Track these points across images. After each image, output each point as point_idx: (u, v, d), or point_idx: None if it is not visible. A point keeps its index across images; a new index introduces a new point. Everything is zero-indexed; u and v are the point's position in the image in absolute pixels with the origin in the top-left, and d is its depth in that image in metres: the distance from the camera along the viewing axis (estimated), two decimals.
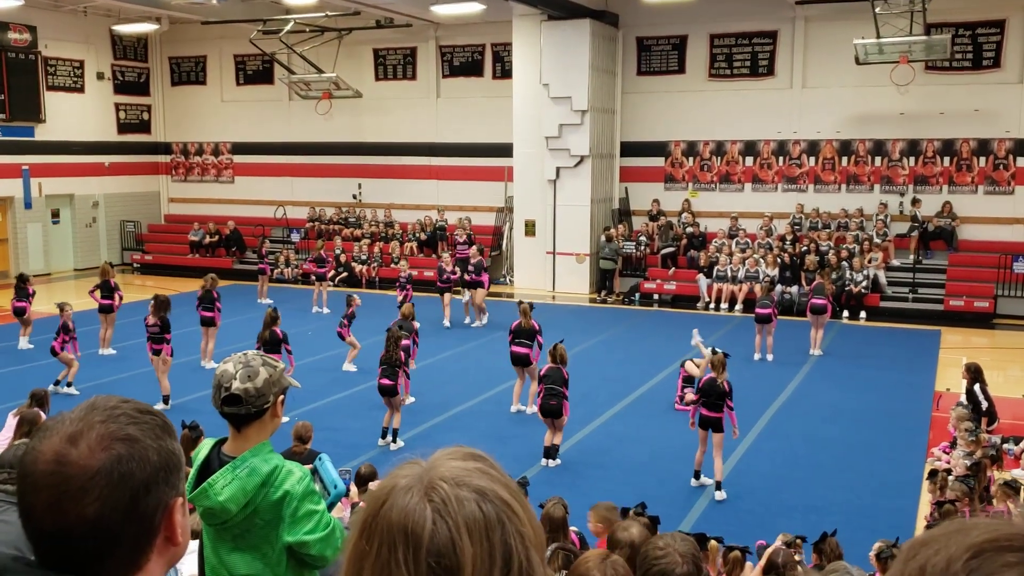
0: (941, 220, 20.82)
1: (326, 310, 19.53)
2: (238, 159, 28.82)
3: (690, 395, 11.45)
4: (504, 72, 24.48)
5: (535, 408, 12.21)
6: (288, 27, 23.54)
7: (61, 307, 13.81)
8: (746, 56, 22.64)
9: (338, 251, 23.67)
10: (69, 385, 13.32)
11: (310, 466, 3.28)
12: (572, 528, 6.35)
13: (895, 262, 20.66)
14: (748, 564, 6.06)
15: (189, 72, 29.28)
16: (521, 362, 12.38)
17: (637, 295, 21.58)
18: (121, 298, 16.13)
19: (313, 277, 20.99)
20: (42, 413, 8.57)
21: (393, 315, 14.52)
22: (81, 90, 27.20)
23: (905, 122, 21.22)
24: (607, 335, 17.86)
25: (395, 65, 26.35)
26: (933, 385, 13.86)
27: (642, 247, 22.41)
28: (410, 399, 12.39)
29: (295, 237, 26.12)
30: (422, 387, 13.33)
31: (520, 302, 13.19)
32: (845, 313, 19.22)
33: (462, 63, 25.55)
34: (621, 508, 6.18)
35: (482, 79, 25.31)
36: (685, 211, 22.96)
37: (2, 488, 3.19)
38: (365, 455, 10.40)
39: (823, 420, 12.37)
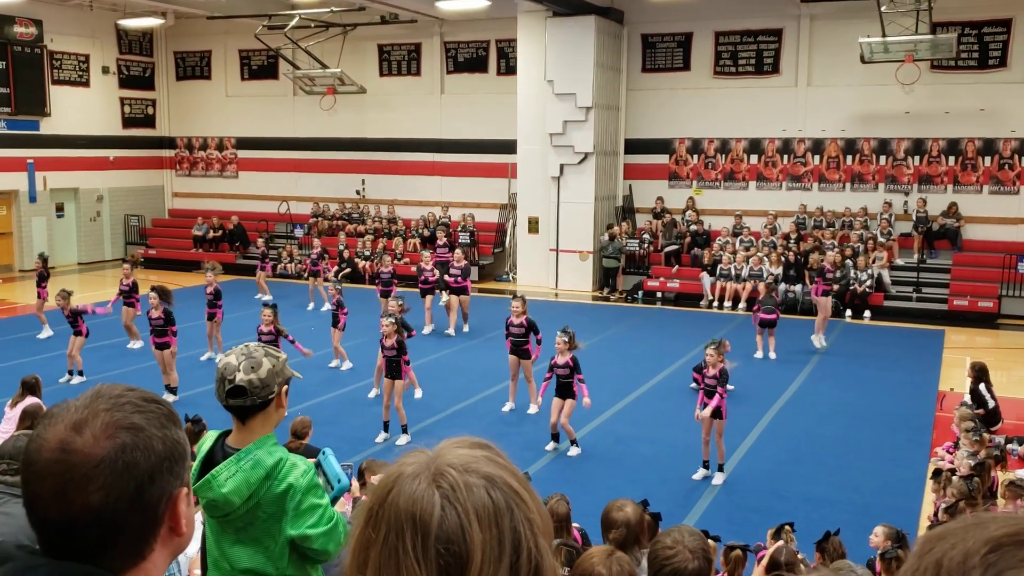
0: (946, 220, 20.78)
1: (326, 306, 19.53)
2: (242, 154, 28.83)
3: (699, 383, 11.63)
4: (508, 68, 24.45)
5: (537, 407, 12.24)
6: (293, 22, 23.54)
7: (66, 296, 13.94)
8: (751, 54, 22.61)
9: (341, 247, 23.66)
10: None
11: (314, 460, 3.27)
12: (575, 524, 6.34)
13: (899, 261, 20.62)
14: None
15: (194, 67, 29.30)
16: (518, 350, 12.25)
17: (640, 293, 21.57)
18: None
19: (307, 273, 20.96)
20: (42, 404, 8.61)
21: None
22: (86, 84, 27.23)
23: (910, 121, 21.18)
24: (610, 333, 17.84)
25: (399, 61, 26.34)
26: (937, 385, 13.83)
27: (646, 245, 22.39)
28: (418, 392, 12.31)
29: (298, 232, 26.13)
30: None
31: (513, 296, 13.09)
32: (848, 312, 19.19)
33: (466, 59, 25.54)
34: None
35: (486, 75, 25.29)
36: (689, 209, 22.93)
37: (2, 479, 3.19)
38: (366, 451, 10.40)
39: (826, 419, 12.36)
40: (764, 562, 5.39)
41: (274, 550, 3.01)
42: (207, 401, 11.05)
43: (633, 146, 23.81)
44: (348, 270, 23.06)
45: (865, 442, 11.40)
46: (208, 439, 3.14)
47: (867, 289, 19.35)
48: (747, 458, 10.83)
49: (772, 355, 15.56)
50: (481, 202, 25.08)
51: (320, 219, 26.32)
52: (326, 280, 20.66)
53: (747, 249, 20.93)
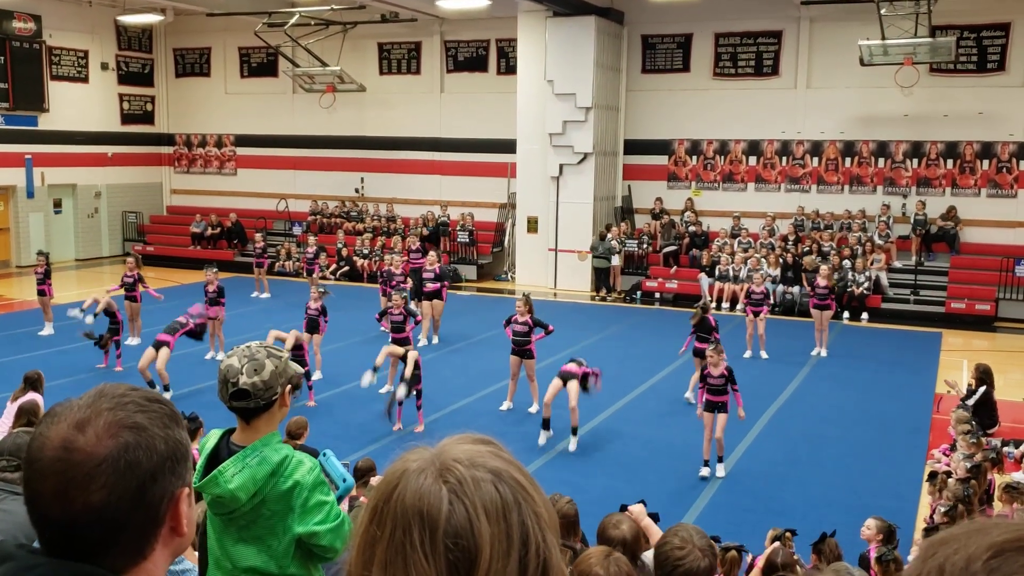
0: (945, 223, 20.80)
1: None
2: (241, 151, 28.81)
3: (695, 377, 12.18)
4: (508, 68, 24.45)
5: (537, 407, 12.26)
6: (293, 20, 23.52)
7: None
8: (751, 56, 22.62)
9: (340, 245, 23.65)
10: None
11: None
12: None
13: (897, 264, 20.65)
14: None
15: (193, 64, 29.27)
16: (520, 350, 12.23)
17: (639, 293, 21.58)
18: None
19: (305, 271, 20.95)
20: (39, 401, 8.57)
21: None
22: (85, 80, 27.20)
23: (909, 124, 21.20)
24: (608, 333, 17.85)
25: (399, 60, 26.34)
26: (934, 387, 13.85)
27: (644, 245, 22.40)
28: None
29: (297, 230, 26.12)
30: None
31: (524, 295, 13.15)
32: (846, 314, 19.21)
33: (466, 58, 25.53)
34: (620, 505, 6.17)
35: (486, 75, 25.29)
36: (688, 210, 22.94)
37: (0, 476, 3.19)
38: (364, 450, 10.39)
39: (823, 420, 12.38)
40: (761, 564, 5.39)
41: (278, 548, 3.01)
42: (208, 398, 11.05)
43: (632, 147, 23.82)
44: (346, 268, 23.08)
45: (862, 444, 11.41)
46: (212, 437, 3.14)
47: (865, 291, 19.37)
48: (744, 459, 10.84)
49: (763, 354, 15.70)
50: (480, 201, 25.08)
51: (319, 217, 26.31)
52: (322, 279, 20.67)
53: (745, 250, 20.95)
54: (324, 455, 3.26)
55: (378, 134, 26.38)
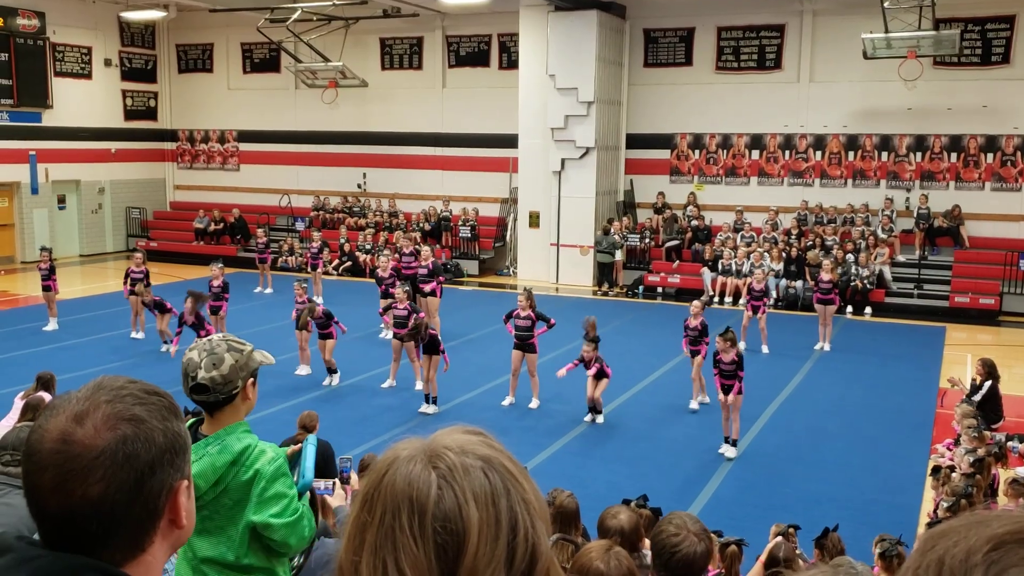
0: (947, 221, 20.74)
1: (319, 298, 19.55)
2: (244, 147, 28.82)
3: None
4: (510, 63, 24.42)
5: (538, 402, 12.29)
6: (295, 16, 23.49)
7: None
8: (753, 49, 22.57)
9: (342, 240, 23.65)
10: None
11: (297, 447, 3.26)
12: None
13: (900, 258, 20.61)
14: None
15: (196, 59, 29.27)
16: (523, 344, 12.25)
17: (641, 288, 21.56)
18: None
19: (309, 266, 20.95)
20: (47, 397, 8.58)
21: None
22: (88, 76, 27.21)
23: (912, 117, 21.15)
24: (610, 328, 17.82)
25: (401, 55, 26.32)
26: (938, 381, 13.84)
27: (646, 240, 22.38)
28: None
29: (300, 226, 26.13)
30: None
31: (525, 289, 13.22)
32: (849, 308, 19.18)
33: (468, 53, 25.51)
34: (623, 499, 6.18)
35: (488, 69, 25.26)
36: (690, 204, 22.91)
37: (4, 471, 3.19)
38: (368, 443, 10.41)
39: (826, 415, 12.37)
40: (763, 558, 5.39)
41: (235, 537, 3.00)
42: None
43: (634, 141, 23.78)
44: (349, 263, 23.07)
45: (865, 439, 11.40)
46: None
47: (868, 285, 19.34)
48: (747, 453, 10.84)
49: (765, 348, 15.78)
50: (482, 196, 25.06)
51: (321, 212, 26.32)
52: (325, 275, 20.69)
53: (748, 245, 20.92)
54: (307, 441, 3.25)
55: (380, 129, 26.37)
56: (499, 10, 23.02)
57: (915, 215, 20.94)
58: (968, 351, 15.78)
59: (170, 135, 29.84)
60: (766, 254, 20.42)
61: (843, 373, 14.55)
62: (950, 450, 10.15)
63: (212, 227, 26.44)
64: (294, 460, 3.22)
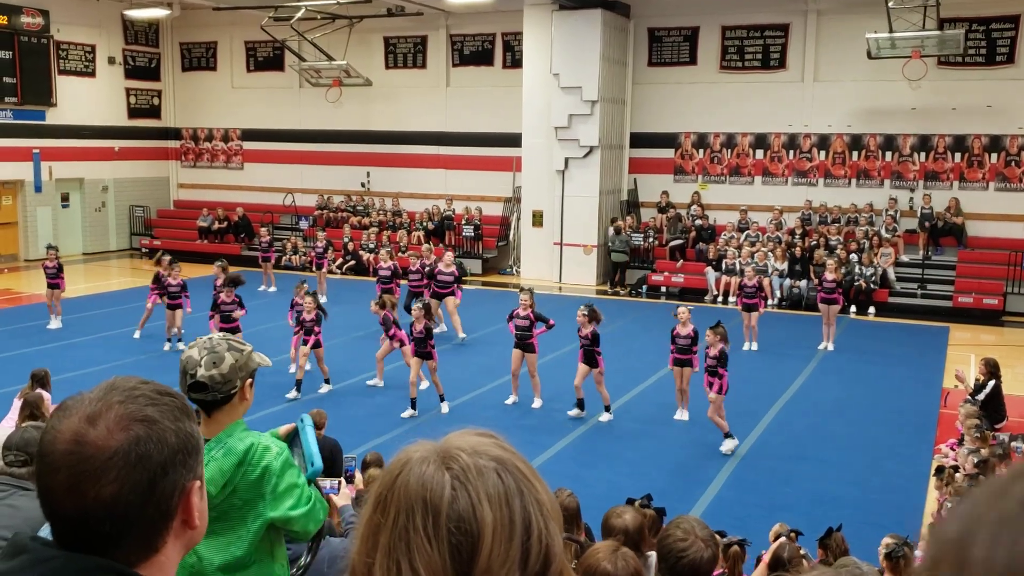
0: (946, 215, 20.72)
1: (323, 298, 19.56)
2: (248, 145, 28.85)
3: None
4: (514, 62, 24.43)
5: (540, 402, 12.30)
6: (299, 14, 23.51)
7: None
8: (758, 49, 22.55)
9: (346, 239, 23.67)
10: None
11: (290, 426, 3.26)
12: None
13: (904, 258, 20.59)
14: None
15: (200, 58, 29.29)
16: (523, 344, 12.25)
17: (645, 287, 21.56)
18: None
19: (314, 266, 20.97)
20: (45, 395, 8.58)
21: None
22: (92, 74, 27.24)
23: (916, 117, 21.12)
24: (614, 327, 17.80)
25: (405, 53, 26.32)
26: (941, 382, 13.83)
27: (650, 239, 22.37)
28: (424, 383, 12.51)
29: (303, 224, 26.15)
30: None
31: (521, 289, 13.26)
32: (853, 308, 19.17)
33: (472, 52, 25.51)
34: (627, 499, 6.18)
35: (492, 68, 25.26)
36: (694, 203, 22.90)
37: (8, 471, 3.20)
38: (371, 443, 10.42)
39: (830, 415, 12.36)
40: (767, 558, 5.39)
41: (246, 536, 3.00)
42: None
43: (638, 140, 23.78)
44: (352, 262, 23.10)
45: (869, 439, 11.40)
46: None
47: (872, 285, 19.33)
48: (751, 453, 10.84)
49: (754, 346, 15.83)
50: (485, 195, 25.06)
51: (325, 211, 26.33)
52: (329, 273, 20.70)
53: (752, 244, 20.91)
54: (301, 421, 3.25)
55: (384, 128, 26.38)
56: (503, 9, 23.02)
57: (919, 215, 20.92)
58: (972, 351, 15.77)
59: (174, 133, 29.86)
60: (770, 253, 20.42)
61: (846, 373, 14.54)
62: (953, 450, 10.14)
63: (216, 226, 26.46)
64: (290, 441, 3.22)
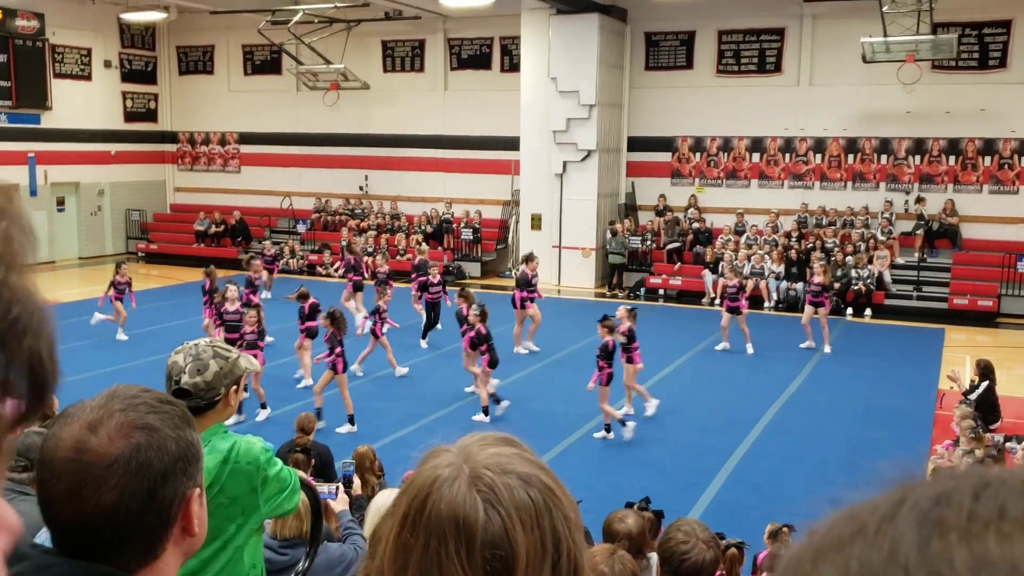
0: (944, 219, 20.78)
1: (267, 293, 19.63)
2: (245, 149, 28.84)
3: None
4: (512, 66, 24.46)
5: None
6: (297, 18, 23.53)
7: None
8: (754, 53, 22.61)
9: (343, 243, 23.65)
10: None
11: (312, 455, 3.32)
12: None
13: (900, 260, 20.64)
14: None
15: (197, 61, 29.29)
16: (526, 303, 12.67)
17: (642, 290, 21.59)
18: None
19: (319, 269, 20.94)
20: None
21: (399, 305, 14.51)
22: (88, 78, 27.22)
23: (911, 121, 21.19)
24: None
25: (403, 57, 26.34)
26: (937, 383, 13.86)
27: (648, 242, 22.41)
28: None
29: (301, 228, 26.15)
30: (413, 385, 13.35)
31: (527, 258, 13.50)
32: (849, 310, 19.21)
33: (470, 56, 25.54)
34: (625, 502, 6.19)
35: (490, 72, 25.29)
36: (691, 207, 22.94)
37: (8, 476, 3.21)
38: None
39: (826, 417, 12.38)
40: (770, 563, 5.40)
41: (231, 531, 3.01)
42: None
43: (636, 144, 23.81)
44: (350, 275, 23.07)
45: (865, 440, 11.43)
46: None
47: (868, 287, 19.37)
48: (748, 456, 10.86)
49: (749, 348, 15.83)
50: (484, 198, 25.09)
51: (323, 214, 26.33)
52: (326, 276, 20.67)
53: (749, 247, 20.95)
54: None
55: (382, 132, 26.40)
56: (501, 13, 23.05)
57: (915, 217, 20.98)
58: (967, 353, 15.80)
59: (170, 137, 29.85)
60: (767, 256, 20.46)
61: (842, 375, 14.57)
62: (949, 451, 10.16)
63: (213, 229, 26.44)
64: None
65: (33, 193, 25.79)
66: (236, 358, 3.10)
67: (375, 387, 13.42)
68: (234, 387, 3.07)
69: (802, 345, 16.23)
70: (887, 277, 19.92)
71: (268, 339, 13.76)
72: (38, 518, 1.37)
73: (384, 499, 3.92)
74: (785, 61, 22.33)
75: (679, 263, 21.91)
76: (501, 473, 1.09)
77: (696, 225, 22.39)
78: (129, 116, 28.70)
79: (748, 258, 20.48)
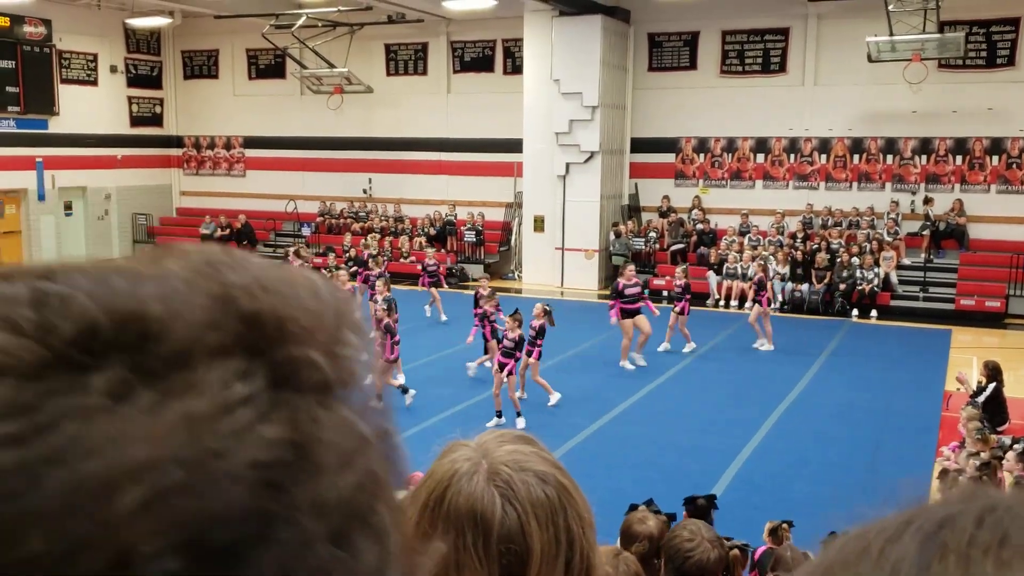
0: (952, 219, 20.72)
1: None
2: (250, 153, 28.90)
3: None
4: (515, 68, 24.46)
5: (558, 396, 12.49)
6: (300, 22, 23.59)
7: None
8: (758, 53, 22.58)
9: (347, 245, 23.71)
10: None
11: None
12: None
13: (906, 261, 20.59)
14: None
15: (201, 66, 29.37)
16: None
17: (647, 291, 21.54)
18: None
19: (323, 272, 20.97)
20: None
21: (409, 306, 14.51)
22: (94, 83, 27.31)
23: (917, 120, 21.12)
24: (615, 331, 17.82)
25: (406, 60, 26.38)
26: (943, 384, 13.81)
27: (652, 243, 22.38)
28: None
29: (306, 231, 26.19)
30: (418, 384, 13.35)
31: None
32: (855, 312, 19.17)
33: (473, 58, 25.56)
34: (629, 504, 6.18)
35: (493, 74, 25.30)
36: (695, 208, 22.92)
37: None
38: None
39: (832, 418, 12.35)
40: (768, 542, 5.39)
41: None
42: None
43: (639, 145, 23.80)
44: (354, 268, 23.10)
45: (871, 442, 11.40)
46: None
47: (874, 288, 19.32)
48: (753, 457, 10.84)
49: (765, 345, 15.88)
50: (487, 201, 25.10)
51: (327, 218, 26.38)
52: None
53: (754, 248, 20.92)
54: None
55: (385, 135, 26.42)
56: (504, 15, 23.07)
57: (921, 217, 20.92)
58: (974, 354, 15.75)
59: (176, 141, 29.93)
60: (772, 257, 20.42)
61: (849, 376, 14.53)
62: (955, 453, 10.13)
63: (219, 233, 26.50)
64: None
65: (41, 198, 25.88)
66: None
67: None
68: None
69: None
70: (893, 278, 19.86)
71: None
72: None
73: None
74: (790, 61, 22.29)
75: (684, 264, 21.86)
76: (518, 470, 1.11)
77: (700, 226, 22.36)
78: (135, 121, 28.79)
79: (752, 259, 20.44)
